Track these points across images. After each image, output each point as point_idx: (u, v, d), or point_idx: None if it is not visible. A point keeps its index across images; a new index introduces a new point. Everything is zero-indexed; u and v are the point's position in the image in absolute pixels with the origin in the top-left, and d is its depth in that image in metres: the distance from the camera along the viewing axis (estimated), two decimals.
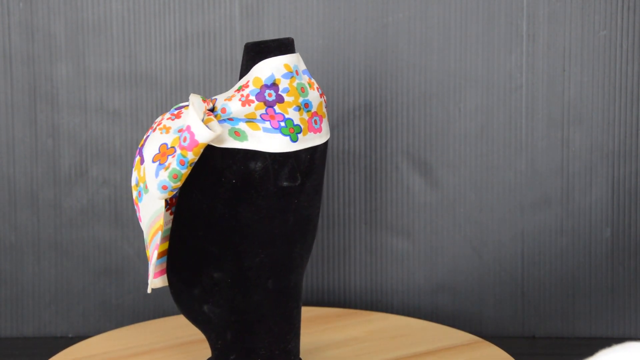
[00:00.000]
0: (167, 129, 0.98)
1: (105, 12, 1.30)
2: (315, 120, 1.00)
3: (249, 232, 1.00)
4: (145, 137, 0.99)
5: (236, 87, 0.99)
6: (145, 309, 1.34)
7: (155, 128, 0.99)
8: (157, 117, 1.31)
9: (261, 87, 0.98)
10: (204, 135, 0.94)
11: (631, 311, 1.31)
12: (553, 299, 1.31)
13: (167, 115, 1.00)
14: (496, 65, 1.29)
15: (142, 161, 0.98)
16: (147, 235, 1.01)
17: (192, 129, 0.94)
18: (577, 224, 1.30)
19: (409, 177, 1.31)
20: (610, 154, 1.29)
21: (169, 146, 0.97)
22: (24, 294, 1.34)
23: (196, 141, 0.94)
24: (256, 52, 0.99)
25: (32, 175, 1.32)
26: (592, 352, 0.85)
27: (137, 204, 1.00)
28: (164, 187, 0.96)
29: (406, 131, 1.30)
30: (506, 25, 1.28)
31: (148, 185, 0.97)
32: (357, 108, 1.30)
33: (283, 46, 0.99)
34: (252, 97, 0.98)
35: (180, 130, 0.97)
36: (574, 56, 1.28)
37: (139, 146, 0.99)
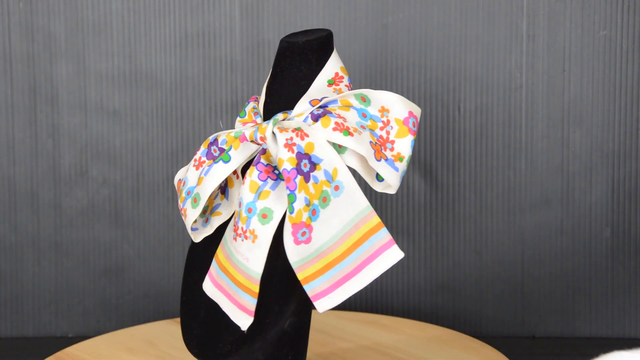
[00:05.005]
0: (355, 130, 0.96)
1: (105, 12, 1.30)
2: None
3: None
4: (295, 155, 0.94)
5: (324, 82, 0.99)
6: (145, 309, 1.34)
7: (352, 132, 0.95)
8: (157, 117, 1.31)
9: (348, 75, 1.01)
10: (419, 112, 0.97)
11: (631, 311, 1.31)
12: (553, 299, 1.31)
13: (333, 123, 0.96)
14: (496, 65, 1.29)
15: (307, 178, 0.94)
16: (323, 248, 0.94)
17: (415, 112, 0.96)
18: (577, 224, 1.30)
19: (409, 177, 1.31)
20: (610, 154, 1.29)
21: (374, 142, 0.96)
22: (24, 294, 1.34)
23: (419, 122, 0.97)
24: (325, 49, 0.99)
25: (32, 175, 1.32)
26: (592, 352, 0.85)
27: (307, 226, 0.94)
28: (402, 177, 0.97)
29: None
30: (506, 25, 1.28)
31: (390, 182, 0.95)
32: None
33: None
34: (351, 86, 1.01)
35: (406, 119, 0.97)
36: (574, 56, 1.28)
37: (292, 166, 0.93)
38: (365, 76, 1.29)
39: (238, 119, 1.01)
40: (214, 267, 0.99)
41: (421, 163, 1.31)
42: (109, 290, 1.34)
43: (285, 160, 0.94)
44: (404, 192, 1.31)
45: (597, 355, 0.84)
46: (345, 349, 1.14)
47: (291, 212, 0.93)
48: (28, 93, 1.31)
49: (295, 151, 0.94)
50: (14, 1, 1.30)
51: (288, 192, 0.93)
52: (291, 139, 0.95)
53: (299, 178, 0.94)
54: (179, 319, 1.23)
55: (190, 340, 1.02)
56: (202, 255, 1.03)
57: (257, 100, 1.03)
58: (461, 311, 1.32)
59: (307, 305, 1.01)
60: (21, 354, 1.28)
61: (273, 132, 0.96)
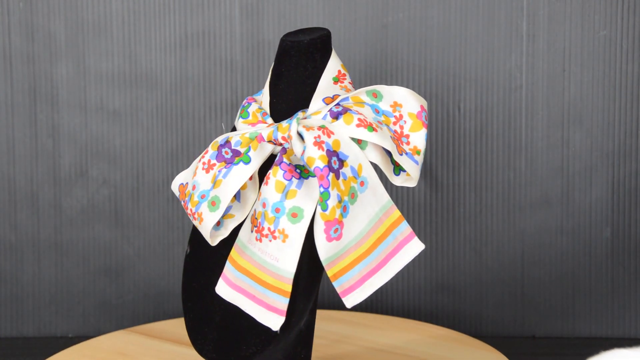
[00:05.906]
0: (377, 126, 0.96)
1: (105, 12, 1.30)
2: None
3: None
4: (325, 152, 0.94)
5: (329, 80, 0.98)
6: (145, 310, 1.34)
7: (376, 128, 0.96)
8: (157, 117, 1.31)
9: (348, 72, 1.01)
10: (427, 105, 0.98)
11: (631, 311, 1.31)
12: (553, 299, 1.31)
13: (356, 119, 0.96)
14: (496, 65, 1.29)
15: (337, 175, 0.94)
16: (351, 244, 0.95)
17: (425, 106, 0.97)
18: (577, 224, 1.30)
19: None
20: (610, 154, 1.29)
21: (393, 137, 0.96)
22: (24, 294, 1.34)
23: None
24: (326, 48, 1.00)
25: (32, 175, 1.32)
26: (592, 352, 0.85)
27: (340, 222, 0.94)
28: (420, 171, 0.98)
29: None
30: (506, 25, 1.28)
31: (413, 175, 0.96)
32: None
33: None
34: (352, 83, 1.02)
35: (419, 113, 0.98)
36: (574, 56, 1.28)
37: (324, 164, 0.94)
38: (365, 76, 1.29)
39: (241, 120, 1.00)
40: (229, 270, 0.98)
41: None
42: (108, 290, 1.34)
43: (317, 159, 0.94)
44: (404, 192, 1.31)
45: (597, 353, 0.84)
46: (346, 350, 1.14)
47: (324, 210, 0.94)
48: (28, 93, 1.31)
49: (325, 149, 0.94)
50: (14, 1, 1.30)
51: (321, 189, 0.94)
52: (319, 136, 0.95)
53: (331, 175, 0.94)
54: (138, 327, 1.22)
55: (204, 345, 1.01)
56: (206, 259, 1.02)
57: (255, 101, 1.02)
58: (461, 311, 1.32)
59: (316, 303, 1.01)
60: (21, 354, 1.28)
61: (297, 131, 0.96)
